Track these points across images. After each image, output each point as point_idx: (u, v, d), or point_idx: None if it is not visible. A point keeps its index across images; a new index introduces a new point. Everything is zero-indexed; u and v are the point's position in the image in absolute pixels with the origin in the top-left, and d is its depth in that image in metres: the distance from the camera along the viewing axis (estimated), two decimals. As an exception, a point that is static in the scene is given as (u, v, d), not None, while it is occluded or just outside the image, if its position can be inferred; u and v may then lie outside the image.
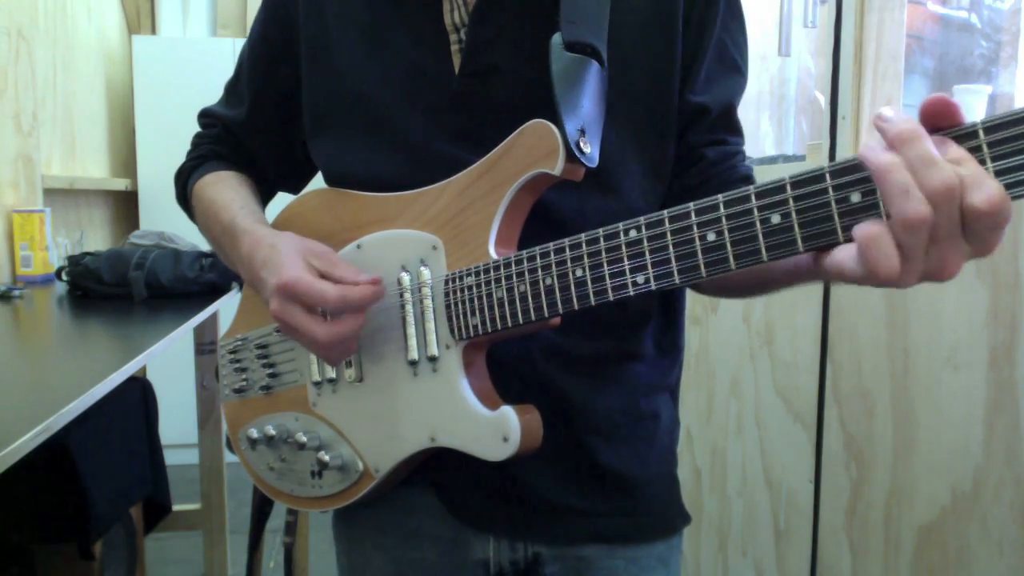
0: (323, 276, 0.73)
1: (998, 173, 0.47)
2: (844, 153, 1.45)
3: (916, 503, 1.32)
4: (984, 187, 0.46)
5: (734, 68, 0.82)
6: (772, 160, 2.00)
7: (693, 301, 1.95)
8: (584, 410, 0.80)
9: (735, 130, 0.84)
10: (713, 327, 2.00)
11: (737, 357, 1.89)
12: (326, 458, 0.81)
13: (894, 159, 0.48)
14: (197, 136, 0.98)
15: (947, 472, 1.25)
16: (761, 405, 1.79)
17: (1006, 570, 1.15)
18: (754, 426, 1.82)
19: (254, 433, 0.88)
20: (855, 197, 0.51)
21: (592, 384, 0.80)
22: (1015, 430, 1.14)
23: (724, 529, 1.97)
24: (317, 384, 0.83)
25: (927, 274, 0.50)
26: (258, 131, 0.92)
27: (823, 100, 1.57)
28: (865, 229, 0.49)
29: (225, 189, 0.89)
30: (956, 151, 0.48)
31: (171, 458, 2.37)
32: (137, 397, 2.07)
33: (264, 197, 0.95)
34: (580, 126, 0.69)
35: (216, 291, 1.99)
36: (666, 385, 0.87)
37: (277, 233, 0.79)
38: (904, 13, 1.42)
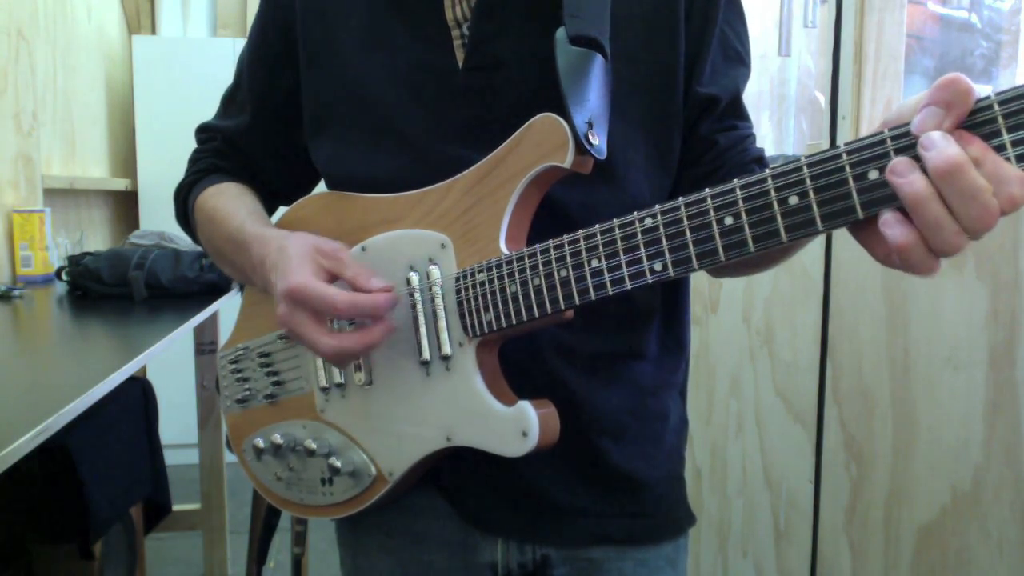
0: (333, 277, 0.72)
1: (1015, 144, 0.48)
2: (844, 153, 1.45)
3: (916, 503, 1.31)
4: (1006, 187, 0.47)
5: (737, 60, 0.83)
6: (772, 160, 2.00)
7: (693, 301, 1.95)
8: (592, 410, 0.80)
9: (743, 116, 0.85)
10: (713, 327, 2.00)
11: (737, 357, 1.89)
12: (338, 464, 0.80)
13: (927, 192, 0.48)
14: (196, 152, 0.96)
15: (947, 472, 1.25)
16: (761, 405, 1.79)
17: (1006, 570, 1.15)
18: (754, 426, 1.82)
19: (260, 443, 0.87)
20: (873, 175, 0.51)
21: (600, 383, 0.80)
22: (1015, 430, 1.14)
23: (724, 529, 1.97)
24: (324, 390, 0.82)
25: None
26: (261, 138, 0.91)
27: (823, 100, 1.57)
28: (898, 238, 0.50)
29: (229, 199, 0.87)
30: (976, 149, 0.48)
31: (171, 458, 2.37)
32: (137, 397, 2.07)
33: (266, 209, 0.93)
34: (588, 119, 0.69)
35: (216, 291, 1.99)
36: (674, 384, 0.87)
37: (286, 234, 0.78)
38: (904, 13, 1.42)
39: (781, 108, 2.25)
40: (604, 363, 0.81)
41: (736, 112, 0.83)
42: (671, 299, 0.85)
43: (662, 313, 0.84)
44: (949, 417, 1.25)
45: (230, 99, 0.94)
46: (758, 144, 0.85)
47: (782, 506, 1.71)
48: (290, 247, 0.74)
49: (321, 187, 0.90)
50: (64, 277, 2.02)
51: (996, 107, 0.48)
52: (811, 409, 1.59)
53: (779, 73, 2.23)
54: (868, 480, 1.42)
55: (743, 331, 1.85)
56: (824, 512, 1.56)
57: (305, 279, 0.70)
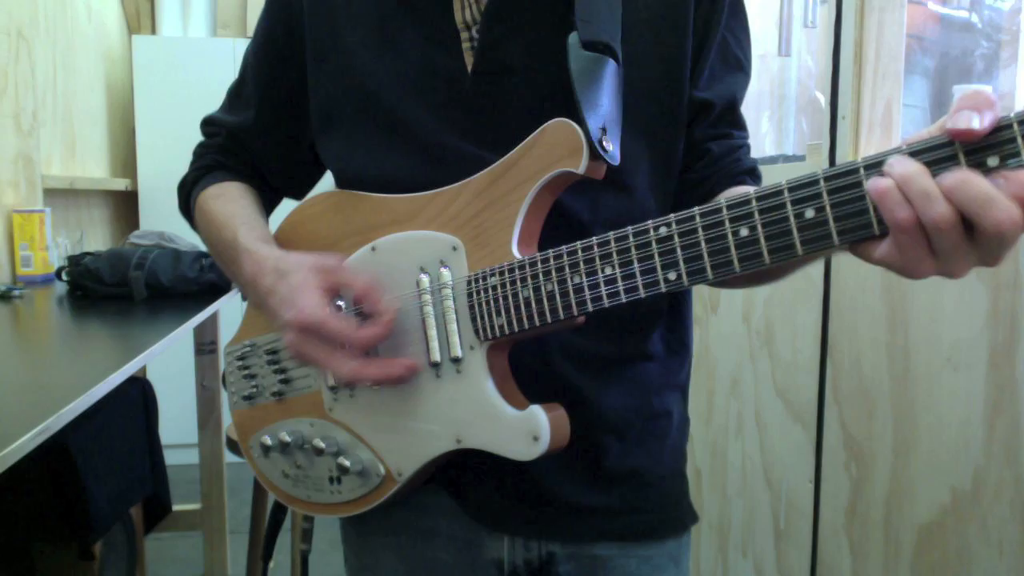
0: (333, 290, 0.73)
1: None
2: (844, 153, 1.45)
3: (916, 503, 1.32)
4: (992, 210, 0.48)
5: (737, 66, 0.83)
6: (772, 160, 2.00)
7: (693, 301, 1.95)
8: (598, 409, 0.80)
9: (739, 125, 0.84)
10: (713, 327, 2.00)
11: (737, 357, 1.89)
12: (346, 463, 0.80)
13: (893, 192, 0.50)
14: (200, 146, 0.96)
15: (947, 472, 1.25)
16: (761, 405, 1.79)
17: (1006, 570, 1.15)
18: (754, 426, 1.82)
19: (268, 440, 0.87)
20: None
21: (606, 384, 0.81)
22: (1015, 430, 1.14)
23: (724, 529, 1.97)
24: (333, 388, 0.82)
25: (941, 272, 0.53)
26: (266, 134, 0.91)
27: (823, 100, 1.57)
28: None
29: (227, 203, 0.87)
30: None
31: (171, 458, 2.37)
32: (137, 397, 2.07)
33: (269, 205, 0.94)
34: (601, 124, 0.69)
35: (216, 291, 1.99)
36: (677, 383, 0.88)
37: (281, 255, 0.77)
38: (904, 13, 1.42)
39: (781, 108, 2.24)
40: (611, 365, 0.81)
41: (732, 120, 0.83)
42: (675, 300, 0.85)
43: (667, 315, 0.84)
44: (949, 417, 1.25)
45: (235, 94, 0.94)
46: (759, 144, 0.85)
47: (782, 506, 1.71)
48: (291, 273, 0.74)
49: (327, 184, 0.90)
50: (64, 277, 2.02)
51: (1016, 126, 0.48)
52: (811, 409, 1.59)
53: (779, 73, 2.23)
54: (868, 480, 1.42)
55: (743, 331, 1.85)
56: (824, 512, 1.56)
57: (320, 312, 0.70)
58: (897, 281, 1.35)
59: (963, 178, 0.48)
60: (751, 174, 0.82)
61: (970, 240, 0.50)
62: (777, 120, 2.27)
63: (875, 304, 1.40)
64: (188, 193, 0.94)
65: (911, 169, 0.50)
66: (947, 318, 1.24)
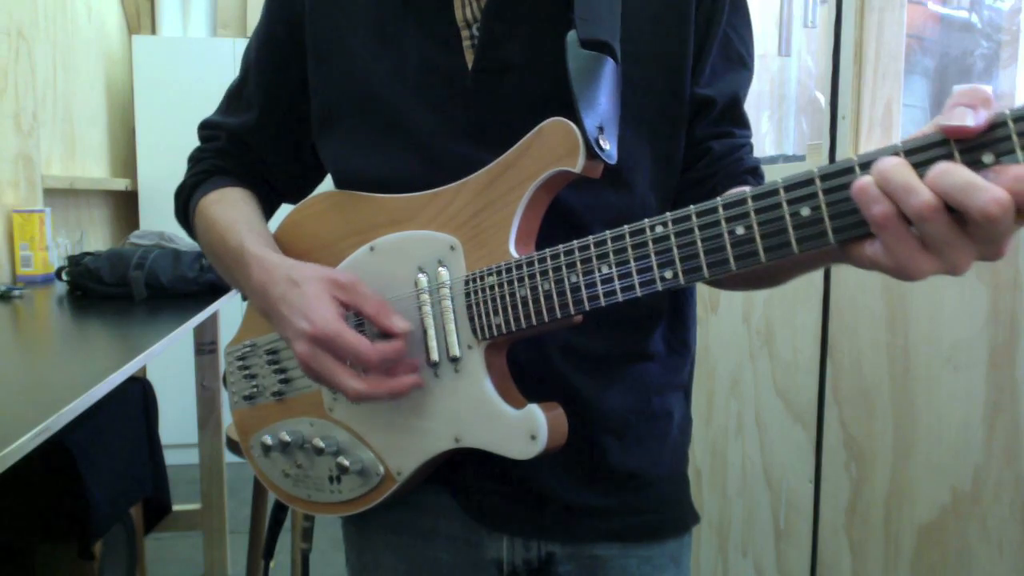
0: (346, 306, 0.73)
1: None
2: (844, 153, 1.45)
3: (916, 503, 1.32)
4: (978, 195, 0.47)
5: (739, 62, 0.83)
6: (772, 160, 2.00)
7: (693, 301, 1.95)
8: (598, 409, 0.80)
9: (742, 123, 0.84)
10: (713, 327, 2.00)
11: (737, 357, 1.89)
12: (346, 463, 0.80)
13: (874, 193, 0.50)
14: (198, 151, 0.95)
15: (947, 472, 1.25)
16: (761, 405, 1.79)
17: (1006, 570, 1.15)
18: (754, 426, 1.82)
19: (268, 440, 0.87)
20: None
21: (606, 383, 0.81)
22: (1015, 430, 1.14)
23: (724, 529, 1.98)
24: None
25: (940, 269, 0.52)
26: (269, 135, 0.90)
27: (823, 100, 1.57)
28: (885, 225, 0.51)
29: (229, 207, 0.87)
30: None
31: (171, 458, 2.37)
32: (137, 397, 2.07)
33: (268, 209, 0.93)
34: (599, 123, 0.69)
35: (216, 291, 1.99)
36: (679, 383, 0.87)
37: (293, 264, 0.77)
38: (904, 13, 1.42)
39: (781, 108, 2.24)
40: (611, 364, 0.81)
41: (733, 118, 0.83)
42: (677, 300, 0.85)
43: (667, 314, 0.84)
44: (949, 417, 1.25)
45: (235, 95, 0.93)
46: (759, 144, 0.85)
47: (782, 506, 1.71)
48: (304, 283, 0.73)
49: (326, 185, 0.90)
50: (64, 277, 2.02)
51: (1011, 124, 0.47)
52: (811, 409, 1.59)
53: (779, 73, 2.23)
54: (868, 480, 1.42)
55: (743, 331, 1.86)
56: (824, 512, 1.56)
57: (336, 325, 0.70)
58: (897, 281, 1.35)
59: (946, 168, 0.48)
60: (753, 173, 0.82)
61: (963, 231, 0.49)
62: (777, 120, 2.27)
63: (875, 304, 1.40)
64: (187, 199, 0.92)
65: (889, 164, 0.49)
66: (947, 318, 1.24)
